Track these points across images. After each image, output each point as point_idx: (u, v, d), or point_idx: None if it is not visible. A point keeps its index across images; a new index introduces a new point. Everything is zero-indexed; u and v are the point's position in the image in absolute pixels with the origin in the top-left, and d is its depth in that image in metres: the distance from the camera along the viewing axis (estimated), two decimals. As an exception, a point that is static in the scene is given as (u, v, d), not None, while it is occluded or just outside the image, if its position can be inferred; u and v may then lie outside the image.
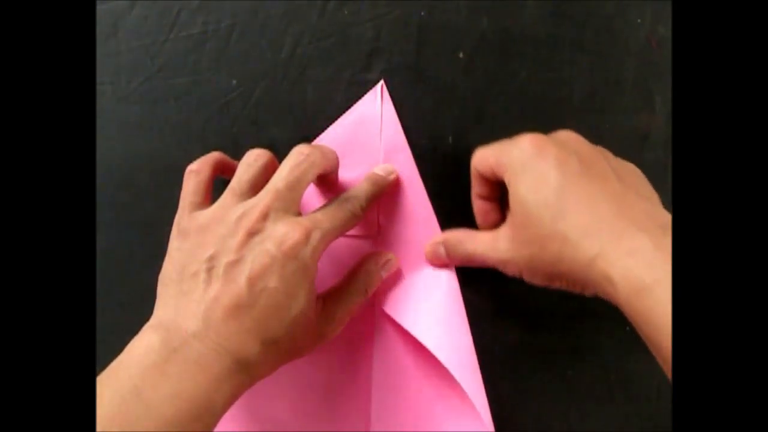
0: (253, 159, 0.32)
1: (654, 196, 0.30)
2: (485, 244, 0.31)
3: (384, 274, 0.34)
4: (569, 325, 0.35)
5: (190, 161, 0.36)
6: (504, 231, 0.30)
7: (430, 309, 0.34)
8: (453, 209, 0.35)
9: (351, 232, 0.33)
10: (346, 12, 0.36)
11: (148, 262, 0.33)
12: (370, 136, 0.35)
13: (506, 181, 0.30)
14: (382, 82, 0.35)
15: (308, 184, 0.31)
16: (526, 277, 0.30)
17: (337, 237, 0.31)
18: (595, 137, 0.31)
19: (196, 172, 0.33)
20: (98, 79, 0.37)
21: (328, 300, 0.32)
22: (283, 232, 0.29)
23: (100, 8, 0.36)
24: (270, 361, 0.29)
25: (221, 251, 0.29)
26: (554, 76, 0.35)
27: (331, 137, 0.35)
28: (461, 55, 0.35)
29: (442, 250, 0.33)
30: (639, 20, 0.35)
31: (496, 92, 0.35)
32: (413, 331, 0.33)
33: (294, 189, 0.30)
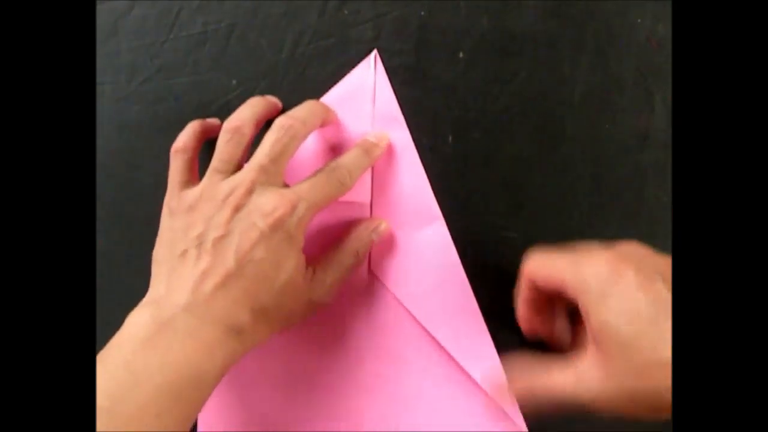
0: (229, 136, 0.32)
1: None
2: (569, 380, 0.27)
3: (375, 238, 0.34)
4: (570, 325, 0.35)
5: (190, 161, 0.36)
6: (588, 367, 0.27)
7: (428, 279, 0.34)
8: (453, 209, 0.35)
9: (344, 198, 0.33)
10: (346, 12, 0.36)
11: (149, 262, 0.33)
12: (362, 106, 0.35)
13: (583, 306, 0.27)
14: (375, 51, 0.35)
15: (291, 155, 0.32)
16: (628, 412, 0.26)
17: (324, 206, 0.31)
18: (595, 137, 0.31)
19: (182, 151, 0.34)
20: (98, 79, 0.37)
21: (318, 267, 0.33)
22: (269, 204, 0.30)
23: (100, 8, 0.36)
24: (261, 329, 0.30)
25: (209, 228, 0.30)
26: (554, 76, 0.35)
27: None
28: (461, 55, 0.35)
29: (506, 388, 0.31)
30: (639, 20, 0.35)
31: (496, 92, 0.35)
32: (411, 307, 0.34)
33: (277, 162, 0.31)
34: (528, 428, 0.34)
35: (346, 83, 0.35)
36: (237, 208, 0.30)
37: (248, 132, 0.33)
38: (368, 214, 0.35)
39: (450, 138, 0.35)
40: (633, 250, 0.28)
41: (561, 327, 0.32)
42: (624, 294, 0.25)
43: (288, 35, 0.36)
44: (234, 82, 0.36)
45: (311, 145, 0.36)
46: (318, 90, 0.36)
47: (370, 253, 0.35)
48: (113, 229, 0.38)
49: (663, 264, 0.26)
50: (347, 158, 0.33)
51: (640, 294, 0.25)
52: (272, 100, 0.35)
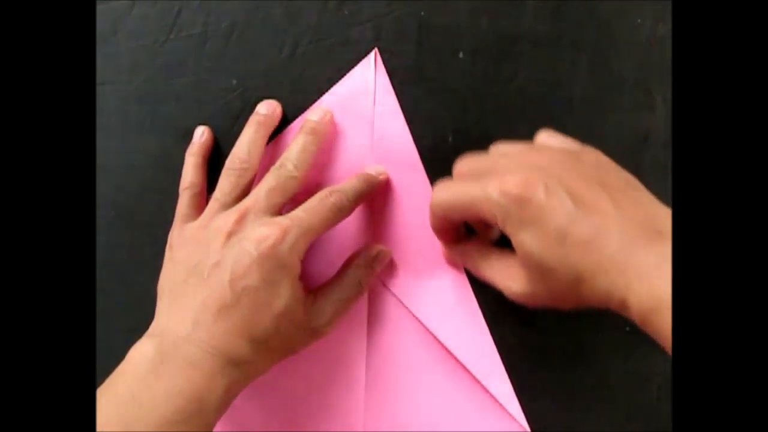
0: (237, 165, 0.33)
1: (645, 195, 0.28)
2: (503, 278, 0.30)
3: (377, 267, 0.34)
4: (569, 325, 0.35)
5: (190, 161, 0.36)
6: (517, 268, 0.29)
7: (428, 279, 0.34)
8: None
9: None
10: (346, 12, 0.36)
11: (149, 262, 0.34)
12: (362, 105, 0.35)
13: (503, 230, 0.28)
14: (375, 50, 0.35)
15: (292, 191, 0.32)
16: (547, 305, 0.29)
17: (322, 232, 0.31)
18: (595, 137, 0.31)
19: (189, 187, 0.35)
20: (98, 79, 0.37)
21: (319, 295, 0.33)
22: (260, 231, 0.30)
23: (100, 8, 0.36)
24: (262, 359, 0.30)
25: (206, 256, 0.30)
26: (554, 76, 0.35)
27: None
28: (461, 55, 0.35)
29: (470, 261, 0.32)
30: (639, 20, 0.35)
31: (496, 92, 0.35)
32: (412, 306, 0.34)
33: (275, 195, 0.32)
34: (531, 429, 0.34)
35: (346, 82, 0.35)
36: (230, 236, 0.30)
37: (250, 166, 0.33)
38: (369, 214, 0.35)
39: (450, 138, 0.35)
40: (547, 157, 0.28)
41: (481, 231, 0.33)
42: (533, 215, 0.26)
43: (288, 35, 0.36)
44: (234, 82, 0.36)
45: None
46: (318, 90, 0.36)
47: None
48: (113, 229, 0.38)
49: (574, 174, 0.27)
50: (346, 185, 0.33)
51: (548, 215, 0.26)
52: (271, 114, 0.35)
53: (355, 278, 0.34)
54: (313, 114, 0.34)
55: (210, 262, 0.30)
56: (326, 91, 0.36)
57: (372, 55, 0.35)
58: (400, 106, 0.35)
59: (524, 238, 0.27)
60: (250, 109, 0.36)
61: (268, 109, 0.35)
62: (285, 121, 0.36)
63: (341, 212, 0.32)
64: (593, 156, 0.29)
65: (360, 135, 0.35)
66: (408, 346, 0.35)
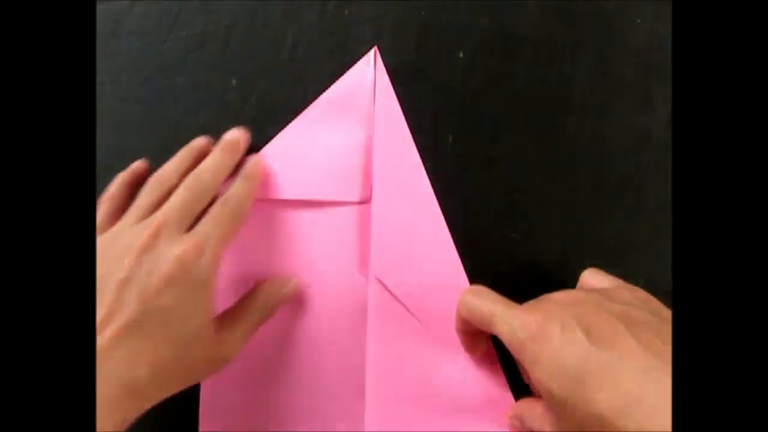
0: (160, 182, 0.33)
1: (656, 316, 0.27)
2: (537, 421, 0.30)
3: (285, 293, 0.34)
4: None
5: (190, 161, 0.36)
6: (548, 410, 0.29)
7: (428, 279, 0.34)
8: (453, 209, 0.35)
9: (343, 198, 0.34)
10: (346, 12, 0.36)
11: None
12: (362, 103, 0.35)
13: (519, 360, 0.28)
14: (375, 48, 0.35)
15: (202, 204, 0.32)
16: None
17: (228, 242, 0.31)
18: (595, 137, 0.31)
19: (107, 200, 0.34)
20: (98, 79, 0.37)
21: (224, 321, 0.32)
22: (176, 247, 0.29)
23: (100, 8, 0.36)
24: (158, 387, 0.29)
25: (113, 269, 0.28)
26: (554, 76, 0.35)
27: (322, 106, 0.36)
28: (461, 55, 0.35)
29: (517, 423, 0.32)
30: (639, 20, 0.35)
31: (496, 92, 0.35)
32: (411, 306, 0.34)
33: (186, 208, 0.31)
34: None
35: (345, 80, 0.35)
36: (141, 252, 0.29)
37: (167, 183, 0.33)
38: (370, 214, 0.35)
39: (450, 138, 0.35)
40: (561, 296, 0.29)
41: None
42: (551, 355, 0.26)
43: (288, 35, 0.36)
44: (234, 82, 0.36)
45: (313, 146, 0.36)
46: (318, 90, 0.36)
47: (370, 254, 0.35)
48: (113, 229, 0.38)
49: (590, 308, 0.27)
50: (234, 188, 0.33)
51: (565, 353, 0.26)
52: (237, 141, 0.35)
53: (262, 306, 0.33)
54: (229, 134, 0.35)
55: (119, 276, 0.28)
56: (326, 90, 0.36)
57: (371, 52, 0.35)
58: (400, 105, 0.35)
59: (541, 376, 0.26)
60: (251, 109, 0.36)
61: (234, 135, 0.35)
62: (285, 121, 0.36)
63: (240, 216, 0.32)
64: (626, 293, 0.29)
65: (359, 133, 0.35)
66: (408, 349, 0.35)
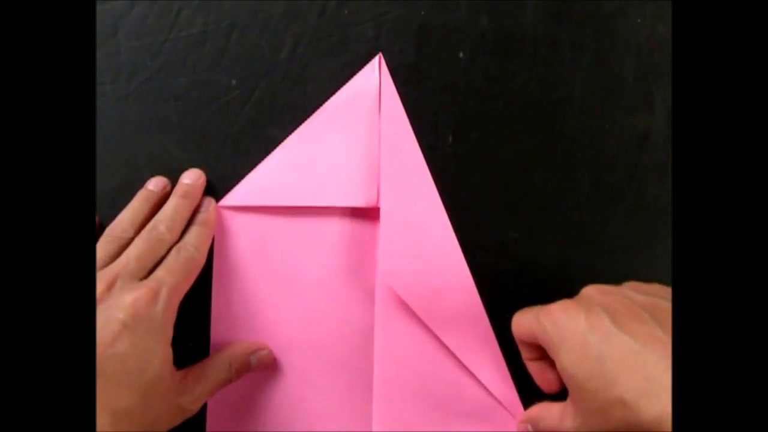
0: (117, 233, 0.33)
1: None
2: (555, 420, 0.30)
3: (254, 362, 0.34)
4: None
5: (190, 161, 0.36)
6: (568, 405, 0.29)
7: (435, 281, 0.34)
8: (453, 209, 0.35)
9: (350, 203, 0.34)
10: (346, 12, 0.36)
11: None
12: (368, 110, 0.35)
13: (549, 354, 0.29)
14: (379, 55, 0.35)
15: (158, 255, 0.32)
16: None
17: (184, 289, 0.31)
18: (595, 137, 0.31)
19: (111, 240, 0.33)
20: (98, 79, 0.37)
21: (191, 373, 0.32)
22: (130, 295, 0.29)
23: (100, 8, 0.36)
24: None
25: None
26: (554, 76, 0.35)
27: (327, 113, 0.36)
28: (461, 55, 0.35)
29: (530, 428, 0.33)
30: (639, 20, 0.35)
31: (496, 92, 0.35)
32: (418, 309, 0.34)
33: (145, 258, 0.31)
34: None
35: (350, 87, 0.35)
36: (98, 303, 0.29)
37: (123, 235, 0.33)
38: (377, 217, 0.35)
39: (450, 138, 0.35)
40: (588, 291, 0.30)
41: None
42: (574, 337, 0.27)
43: (288, 35, 0.36)
44: (234, 82, 0.36)
45: (319, 152, 0.35)
46: (318, 90, 0.36)
47: (377, 257, 0.35)
48: (113, 229, 0.38)
49: (614, 298, 0.28)
50: (189, 236, 0.33)
51: (587, 334, 0.27)
52: (194, 184, 0.35)
53: (228, 366, 0.33)
54: (186, 177, 0.35)
55: None
56: (326, 91, 0.36)
57: (376, 59, 0.35)
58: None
59: (565, 360, 0.27)
60: (250, 109, 0.36)
61: (191, 179, 0.35)
62: (285, 121, 0.36)
63: (195, 261, 0.32)
64: (653, 287, 0.30)
65: (365, 139, 0.35)
66: (415, 351, 0.35)
